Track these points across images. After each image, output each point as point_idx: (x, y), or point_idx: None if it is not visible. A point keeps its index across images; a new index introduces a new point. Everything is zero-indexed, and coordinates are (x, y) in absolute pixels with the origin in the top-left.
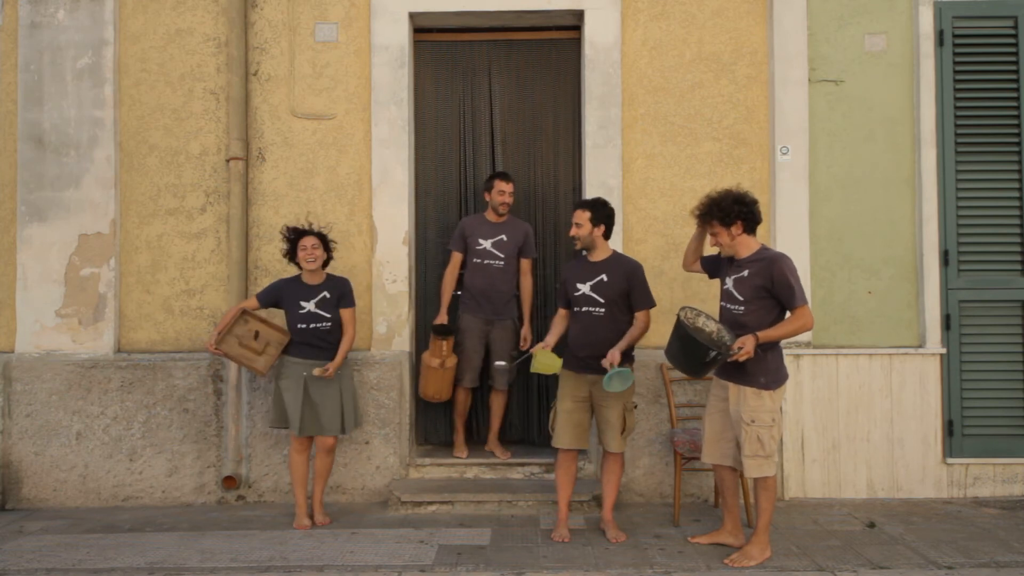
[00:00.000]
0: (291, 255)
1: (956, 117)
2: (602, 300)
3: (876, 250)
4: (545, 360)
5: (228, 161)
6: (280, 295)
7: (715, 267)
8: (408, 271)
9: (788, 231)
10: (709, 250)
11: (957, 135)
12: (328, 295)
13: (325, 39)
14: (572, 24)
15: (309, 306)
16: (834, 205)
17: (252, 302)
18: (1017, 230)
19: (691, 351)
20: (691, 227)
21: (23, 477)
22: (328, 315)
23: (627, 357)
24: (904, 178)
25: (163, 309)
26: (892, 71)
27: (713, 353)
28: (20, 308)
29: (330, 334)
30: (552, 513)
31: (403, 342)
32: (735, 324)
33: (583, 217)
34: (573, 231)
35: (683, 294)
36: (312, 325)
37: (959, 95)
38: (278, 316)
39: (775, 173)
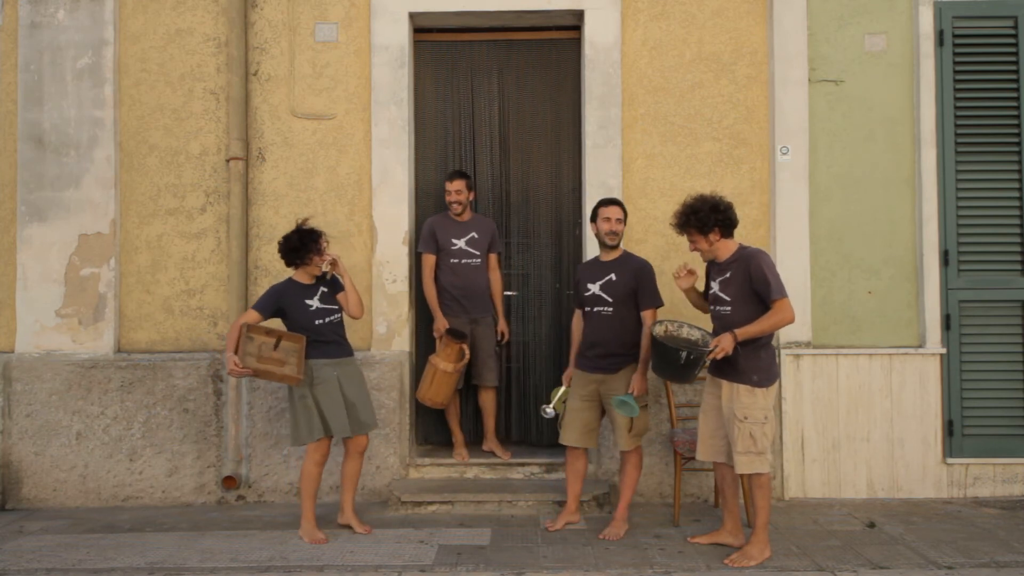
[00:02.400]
0: (299, 258)
1: (956, 117)
2: (610, 299)
3: (876, 250)
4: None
5: (228, 161)
6: (283, 301)
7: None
8: (408, 271)
9: (788, 231)
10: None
11: (957, 135)
12: (325, 288)
13: (325, 39)
14: (572, 24)
15: (315, 303)
16: (834, 205)
17: (252, 315)
18: (1017, 230)
19: (665, 357)
20: None
21: (23, 477)
22: (336, 306)
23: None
24: (904, 178)
25: (163, 309)
26: (892, 71)
27: (684, 354)
28: (20, 308)
29: (341, 326)
30: (552, 513)
31: (403, 342)
32: (726, 326)
33: (620, 213)
34: (615, 226)
35: (683, 294)
36: (328, 319)
37: (959, 95)
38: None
39: (775, 173)
